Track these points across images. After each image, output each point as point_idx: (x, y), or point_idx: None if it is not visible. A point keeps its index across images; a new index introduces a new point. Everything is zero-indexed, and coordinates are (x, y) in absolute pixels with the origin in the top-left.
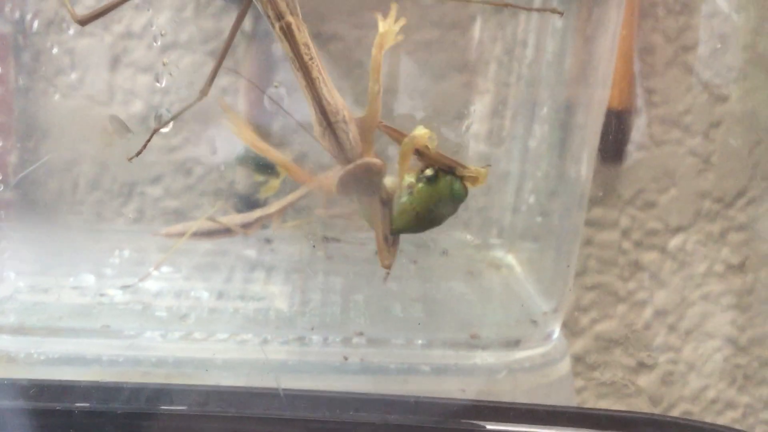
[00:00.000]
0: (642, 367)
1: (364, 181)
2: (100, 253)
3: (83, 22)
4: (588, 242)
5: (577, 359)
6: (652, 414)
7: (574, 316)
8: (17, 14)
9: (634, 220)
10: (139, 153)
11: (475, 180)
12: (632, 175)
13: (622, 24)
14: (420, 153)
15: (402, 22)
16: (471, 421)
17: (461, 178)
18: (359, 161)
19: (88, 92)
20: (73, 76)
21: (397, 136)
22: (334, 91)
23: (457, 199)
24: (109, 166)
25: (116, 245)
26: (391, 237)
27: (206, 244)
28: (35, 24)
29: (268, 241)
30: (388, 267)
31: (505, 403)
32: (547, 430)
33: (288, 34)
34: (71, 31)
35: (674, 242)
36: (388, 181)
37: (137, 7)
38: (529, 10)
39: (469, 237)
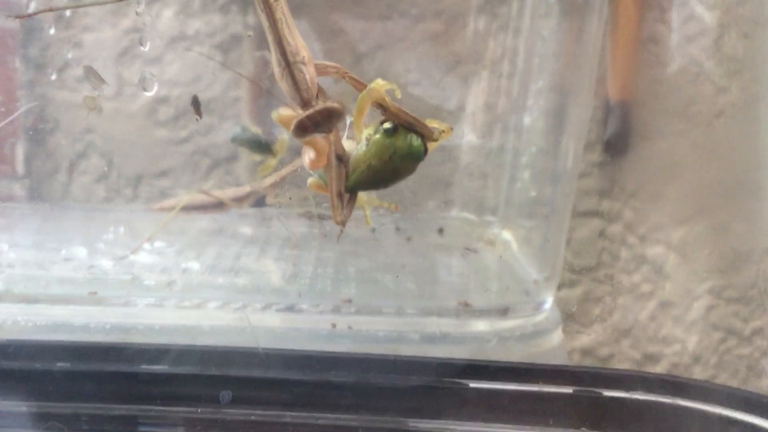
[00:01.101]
0: (647, 359)
1: (324, 125)
2: (97, 230)
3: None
4: (601, 234)
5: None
6: (636, 371)
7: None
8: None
9: (637, 212)
10: (24, 17)
11: (434, 138)
12: (637, 166)
13: (618, 11)
14: (382, 107)
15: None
16: (454, 380)
17: (422, 136)
18: (321, 106)
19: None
20: (80, 70)
21: (361, 87)
22: (296, 33)
23: (415, 156)
24: (114, 156)
25: (112, 223)
26: (347, 195)
27: (204, 222)
28: (42, 19)
29: (265, 219)
30: (342, 224)
31: (486, 361)
32: (530, 387)
33: None
34: (74, 19)
35: (678, 234)
36: (348, 143)
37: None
38: None
39: (465, 215)
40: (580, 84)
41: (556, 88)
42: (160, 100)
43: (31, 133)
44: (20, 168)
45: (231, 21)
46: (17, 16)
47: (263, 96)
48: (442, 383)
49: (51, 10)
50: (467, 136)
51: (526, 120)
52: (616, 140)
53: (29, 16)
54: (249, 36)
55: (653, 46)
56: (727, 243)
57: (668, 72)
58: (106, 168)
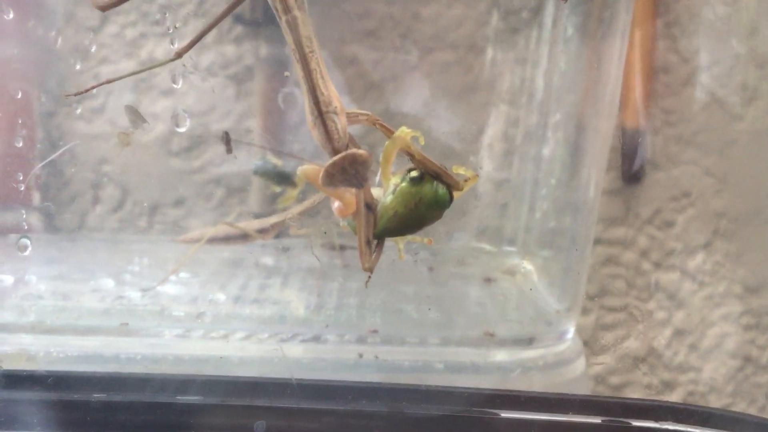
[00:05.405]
0: (665, 386)
1: (350, 172)
2: (121, 261)
3: (104, 8)
4: (609, 261)
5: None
6: (665, 401)
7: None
8: (43, 40)
9: (653, 239)
10: (78, 94)
11: (459, 187)
12: (651, 194)
13: (631, 41)
14: (409, 155)
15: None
16: (485, 410)
17: (447, 184)
18: (345, 152)
19: (110, 116)
20: (97, 101)
21: (391, 134)
22: (330, 84)
23: (440, 204)
24: (129, 186)
25: (136, 254)
26: (374, 241)
27: (224, 253)
28: (61, 49)
29: (285, 249)
30: (369, 270)
31: (517, 391)
32: (560, 417)
33: (293, 27)
34: (94, 50)
35: (693, 262)
36: (376, 191)
37: (161, 35)
38: None
39: (486, 245)
40: (600, 114)
41: (575, 119)
42: (175, 131)
43: (63, 171)
44: (36, 199)
45: (245, 52)
46: (72, 94)
47: (277, 128)
48: (473, 413)
49: (108, 81)
50: (486, 167)
51: (545, 151)
52: (631, 168)
53: (84, 92)
54: (286, 76)
55: (665, 75)
56: (742, 270)
57: (680, 101)
58: (121, 198)
